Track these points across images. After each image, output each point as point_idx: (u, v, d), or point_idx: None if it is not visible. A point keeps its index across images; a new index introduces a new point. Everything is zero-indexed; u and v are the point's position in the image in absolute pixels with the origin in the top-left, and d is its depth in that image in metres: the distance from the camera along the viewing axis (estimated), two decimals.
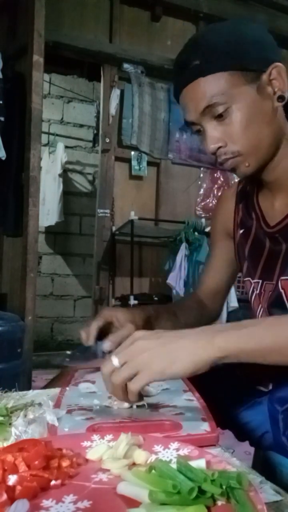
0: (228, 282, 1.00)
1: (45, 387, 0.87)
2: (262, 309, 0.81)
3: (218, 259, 0.98)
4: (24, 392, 0.74)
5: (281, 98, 0.70)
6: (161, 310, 0.91)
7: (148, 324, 0.84)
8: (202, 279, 1.03)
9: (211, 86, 0.68)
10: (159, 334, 0.58)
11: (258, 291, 0.81)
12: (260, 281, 0.81)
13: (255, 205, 0.84)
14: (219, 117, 0.69)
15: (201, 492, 0.37)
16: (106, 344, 0.74)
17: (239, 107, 0.69)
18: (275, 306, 0.78)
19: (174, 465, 0.40)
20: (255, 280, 0.82)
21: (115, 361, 0.57)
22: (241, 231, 0.87)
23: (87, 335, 0.79)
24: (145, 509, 0.35)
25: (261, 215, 0.82)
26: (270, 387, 0.81)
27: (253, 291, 0.83)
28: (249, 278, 0.84)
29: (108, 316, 0.82)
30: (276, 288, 0.77)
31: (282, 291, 0.76)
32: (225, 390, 0.83)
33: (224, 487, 0.37)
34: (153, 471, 0.40)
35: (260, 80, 0.69)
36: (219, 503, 0.37)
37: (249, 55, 0.69)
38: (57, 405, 0.64)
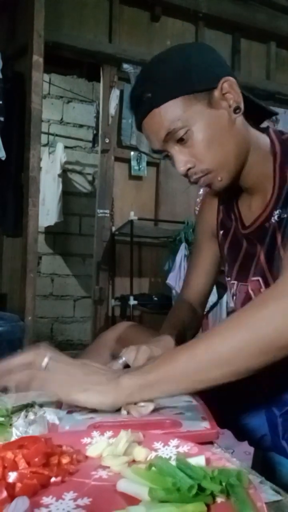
0: (214, 281, 0.99)
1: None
2: (237, 307, 0.83)
3: (205, 259, 0.97)
4: (24, 392, 0.74)
5: (238, 109, 0.73)
6: (177, 338, 0.84)
7: None
8: (188, 281, 1.00)
9: (166, 115, 0.70)
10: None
11: (234, 293, 0.83)
12: (236, 282, 0.83)
13: (234, 206, 0.85)
14: (181, 140, 0.71)
15: (201, 489, 0.37)
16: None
17: (198, 127, 0.70)
18: None
19: (174, 462, 0.41)
20: (232, 281, 0.84)
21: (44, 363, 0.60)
22: (221, 232, 0.89)
23: None
24: (144, 506, 0.35)
25: (239, 216, 0.84)
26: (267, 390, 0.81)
27: (230, 292, 0.85)
28: (229, 279, 0.86)
29: (149, 356, 0.74)
30: (248, 289, 0.79)
31: (251, 292, 0.78)
32: (224, 390, 0.83)
33: (223, 484, 0.37)
34: (152, 468, 0.40)
35: (213, 97, 0.71)
36: (219, 500, 0.37)
37: (196, 77, 0.71)
38: (58, 405, 0.64)
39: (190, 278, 1.00)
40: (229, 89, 0.72)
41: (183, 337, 0.87)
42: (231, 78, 0.72)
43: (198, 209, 4.11)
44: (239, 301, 0.82)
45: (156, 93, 0.71)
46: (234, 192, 0.84)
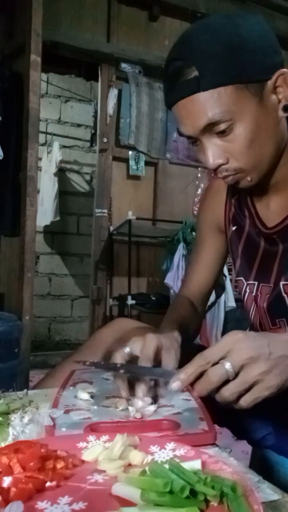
0: (216, 279, 0.95)
1: (36, 386, 0.87)
2: (255, 310, 0.81)
3: (208, 254, 0.92)
4: (22, 392, 0.74)
5: (286, 108, 0.66)
6: (181, 331, 0.78)
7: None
8: (190, 277, 0.95)
9: (212, 103, 0.62)
10: (263, 343, 0.53)
11: (254, 293, 0.80)
12: (256, 282, 0.79)
13: (249, 203, 0.81)
14: (221, 133, 0.64)
15: (195, 494, 0.36)
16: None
17: (243, 123, 0.63)
18: (276, 310, 0.76)
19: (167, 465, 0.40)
20: (250, 282, 0.81)
21: (230, 371, 0.51)
22: (233, 228, 0.84)
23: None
24: (138, 508, 0.35)
25: (255, 214, 0.80)
26: None
27: (246, 291, 0.82)
28: (242, 278, 0.82)
29: (157, 347, 0.67)
30: (275, 291, 0.75)
31: (285, 295, 0.74)
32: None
33: (216, 489, 0.37)
34: (147, 473, 0.40)
35: (264, 90, 0.63)
36: (214, 504, 0.37)
37: (253, 64, 0.62)
38: (55, 405, 0.64)
39: (191, 274, 0.95)
40: (282, 83, 0.64)
41: (185, 332, 0.82)
42: (286, 71, 0.64)
43: (196, 208, 4.07)
44: (262, 301, 0.77)
45: (205, 75, 0.61)
46: (249, 188, 0.79)
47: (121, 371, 0.64)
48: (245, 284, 0.82)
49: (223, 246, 0.91)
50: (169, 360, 0.67)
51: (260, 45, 0.63)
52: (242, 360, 0.51)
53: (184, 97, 0.64)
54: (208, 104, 0.62)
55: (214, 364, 0.53)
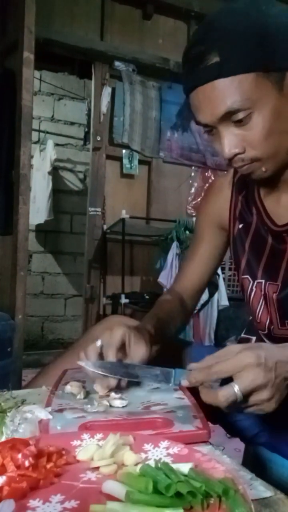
0: (210, 277, 0.94)
1: (28, 384, 0.86)
2: (263, 309, 0.79)
3: (205, 250, 0.91)
4: (15, 391, 0.74)
5: None
6: (158, 325, 0.81)
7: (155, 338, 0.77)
8: (184, 272, 0.95)
9: (232, 90, 0.60)
10: (271, 367, 0.53)
11: (263, 292, 0.78)
12: (263, 281, 0.78)
13: (257, 199, 0.79)
14: (239, 122, 0.63)
15: (180, 495, 0.37)
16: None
17: (262, 112, 0.62)
18: (286, 310, 0.76)
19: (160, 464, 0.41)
20: (257, 280, 0.79)
21: (238, 395, 0.52)
22: (240, 225, 0.82)
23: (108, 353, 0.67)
24: (122, 504, 0.35)
25: (263, 210, 0.78)
26: None
27: (252, 290, 0.80)
28: (248, 276, 0.81)
29: (123, 337, 0.69)
30: (284, 291, 0.74)
31: None
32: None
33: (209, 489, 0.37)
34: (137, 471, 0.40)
35: (285, 79, 0.62)
36: (211, 501, 0.37)
37: (278, 51, 0.60)
38: (48, 404, 0.64)
39: (185, 269, 0.94)
40: None
41: (165, 326, 0.83)
42: None
43: (190, 207, 4.05)
44: (271, 300, 0.76)
45: (226, 61, 0.59)
46: (254, 181, 0.78)
47: (119, 375, 0.65)
48: (251, 281, 0.80)
49: (223, 244, 0.90)
50: (137, 351, 0.68)
51: (284, 33, 0.61)
52: (251, 387, 0.52)
53: (203, 83, 0.62)
54: (228, 91, 0.61)
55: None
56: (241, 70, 0.60)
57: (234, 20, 0.61)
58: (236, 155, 0.66)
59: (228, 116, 0.63)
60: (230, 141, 0.65)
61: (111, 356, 0.66)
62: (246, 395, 0.53)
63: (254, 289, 0.80)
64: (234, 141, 0.65)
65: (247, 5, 0.62)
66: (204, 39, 0.62)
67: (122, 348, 0.68)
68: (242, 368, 0.52)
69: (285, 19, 0.62)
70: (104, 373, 0.65)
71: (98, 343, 0.69)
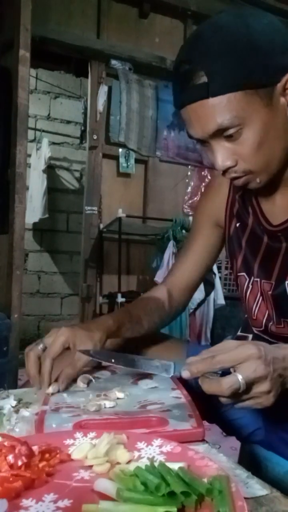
0: (204, 274, 0.95)
1: (24, 385, 0.86)
2: (260, 307, 0.80)
3: (200, 247, 0.92)
4: (11, 390, 0.73)
5: None
6: (123, 319, 0.83)
7: (112, 337, 0.80)
8: (176, 268, 0.95)
9: (221, 108, 0.61)
10: (269, 360, 0.54)
11: (259, 290, 0.79)
12: (258, 279, 0.79)
13: (253, 199, 0.81)
14: (229, 136, 0.64)
15: (173, 494, 0.36)
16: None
17: (252, 127, 0.63)
18: (282, 309, 0.76)
19: (156, 463, 0.40)
20: (254, 278, 0.80)
21: (242, 384, 0.53)
22: (237, 224, 0.84)
23: (41, 377, 0.70)
24: (113, 503, 0.35)
25: (259, 210, 0.79)
26: None
27: (248, 288, 0.81)
28: (244, 274, 0.82)
29: (65, 343, 0.73)
30: (279, 289, 0.75)
31: None
32: None
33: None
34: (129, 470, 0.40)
35: (273, 93, 0.63)
36: (206, 500, 0.37)
37: (264, 69, 0.61)
38: (45, 403, 0.64)
39: (179, 265, 0.95)
40: None
41: (133, 321, 0.84)
42: None
43: (186, 206, 4.06)
44: (267, 298, 0.77)
45: (214, 81, 0.60)
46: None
47: (120, 364, 0.65)
48: (247, 279, 0.81)
49: (218, 242, 0.91)
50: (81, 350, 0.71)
51: (271, 48, 0.61)
52: (253, 378, 0.53)
53: (192, 102, 0.63)
54: (217, 110, 0.62)
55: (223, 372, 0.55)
56: (228, 90, 0.61)
57: (219, 38, 0.61)
58: (229, 168, 0.67)
59: (219, 133, 0.64)
60: (222, 154, 0.66)
61: (48, 359, 0.70)
62: (247, 387, 0.53)
63: (250, 286, 0.81)
64: (226, 154, 0.66)
65: (233, 20, 0.62)
66: (191, 57, 0.63)
67: (68, 349, 0.73)
68: (245, 359, 0.53)
69: (270, 33, 0.62)
70: (104, 361, 0.68)
71: (40, 346, 0.74)
